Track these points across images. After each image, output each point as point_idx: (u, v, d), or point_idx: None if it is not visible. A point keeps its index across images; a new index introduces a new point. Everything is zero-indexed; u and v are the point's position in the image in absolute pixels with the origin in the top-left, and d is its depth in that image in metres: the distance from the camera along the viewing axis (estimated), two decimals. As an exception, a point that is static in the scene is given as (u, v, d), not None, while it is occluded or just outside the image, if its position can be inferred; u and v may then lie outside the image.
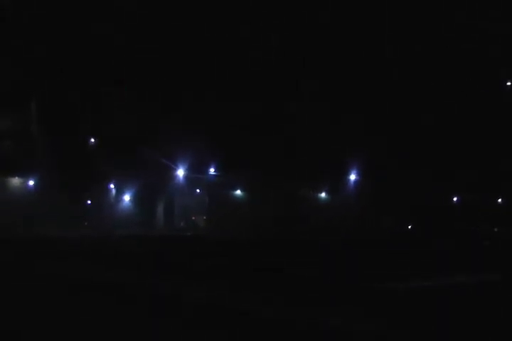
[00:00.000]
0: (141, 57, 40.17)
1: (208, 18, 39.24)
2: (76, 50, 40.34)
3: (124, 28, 39.86)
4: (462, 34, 38.64)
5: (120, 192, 49.36)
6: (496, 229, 42.69)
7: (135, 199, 49.39)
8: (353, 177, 46.34)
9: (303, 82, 40.93)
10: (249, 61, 40.31)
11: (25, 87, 41.14)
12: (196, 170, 45.93)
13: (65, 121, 42.74)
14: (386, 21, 39.20)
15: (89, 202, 49.24)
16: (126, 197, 49.59)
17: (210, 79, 40.40)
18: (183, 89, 41.70)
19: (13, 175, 46.01)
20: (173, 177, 46.46)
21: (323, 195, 49.74)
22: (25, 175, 45.75)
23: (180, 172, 46.39)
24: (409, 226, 45.51)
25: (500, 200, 48.43)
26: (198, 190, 50.32)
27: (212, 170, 47.02)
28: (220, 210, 47.65)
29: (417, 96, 40.84)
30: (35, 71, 40.09)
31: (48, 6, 39.25)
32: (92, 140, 45.21)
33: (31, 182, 46.37)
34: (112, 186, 49.19)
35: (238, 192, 49.56)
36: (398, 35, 39.16)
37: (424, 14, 38.93)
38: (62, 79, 40.41)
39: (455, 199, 48.36)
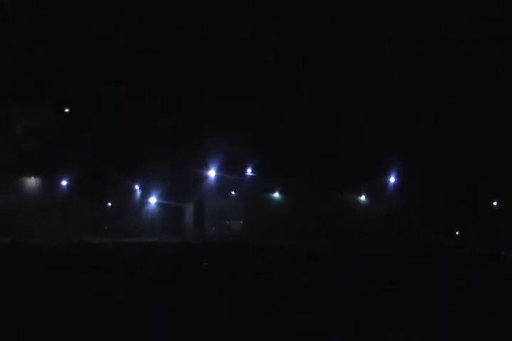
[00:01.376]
0: (141, 57, 40.14)
1: (208, 18, 39.22)
2: (76, 50, 40.33)
3: (124, 28, 39.87)
4: (462, 34, 38.59)
5: (146, 194, 45.87)
6: None
7: (162, 201, 45.82)
8: (392, 179, 43.84)
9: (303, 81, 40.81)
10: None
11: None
12: (231, 171, 42.95)
13: (87, 119, 41.97)
14: (386, 21, 39.19)
15: (109, 204, 45.65)
16: (153, 200, 46.07)
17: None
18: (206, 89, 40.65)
19: (29, 175, 43.62)
20: (204, 178, 43.72)
21: (362, 197, 45.97)
22: (40, 174, 43.47)
23: (212, 173, 43.42)
24: (457, 233, 41.43)
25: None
26: (233, 193, 46.08)
27: (249, 171, 43.68)
28: (258, 214, 44.15)
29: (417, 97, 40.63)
30: (36, 71, 40.00)
31: (47, 6, 39.24)
32: (115, 138, 42.74)
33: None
34: (137, 187, 45.72)
35: (276, 194, 45.72)
36: (398, 35, 39.08)
37: (424, 14, 38.93)
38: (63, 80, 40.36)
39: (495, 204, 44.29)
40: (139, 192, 45.90)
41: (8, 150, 41.78)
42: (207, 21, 39.55)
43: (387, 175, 43.55)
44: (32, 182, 44.14)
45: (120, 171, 41.62)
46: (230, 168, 42.57)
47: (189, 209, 46.65)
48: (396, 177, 43.69)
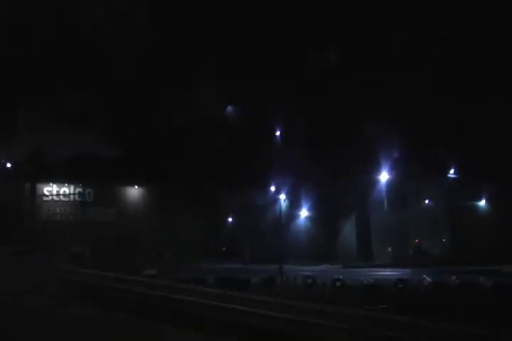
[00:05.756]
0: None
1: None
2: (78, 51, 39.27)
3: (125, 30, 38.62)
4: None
5: (295, 204, 35.56)
6: None
7: (315, 215, 35.46)
8: None
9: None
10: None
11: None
12: (414, 174, 33.04)
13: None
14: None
15: (230, 219, 36.79)
16: (303, 213, 35.94)
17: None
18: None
19: (130, 184, 36.40)
20: (373, 183, 33.50)
21: None
22: (143, 182, 36.20)
23: (384, 177, 33.33)
24: None
25: None
26: (426, 201, 35.84)
27: (451, 173, 33.67)
28: (466, 229, 33.80)
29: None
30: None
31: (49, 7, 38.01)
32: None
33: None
34: (281, 197, 34.94)
35: (482, 203, 35.14)
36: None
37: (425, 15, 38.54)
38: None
39: None
40: (284, 203, 34.99)
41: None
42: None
43: None
44: (133, 192, 37.07)
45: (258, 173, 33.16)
46: (413, 170, 32.42)
47: (346, 225, 36.42)
48: None
